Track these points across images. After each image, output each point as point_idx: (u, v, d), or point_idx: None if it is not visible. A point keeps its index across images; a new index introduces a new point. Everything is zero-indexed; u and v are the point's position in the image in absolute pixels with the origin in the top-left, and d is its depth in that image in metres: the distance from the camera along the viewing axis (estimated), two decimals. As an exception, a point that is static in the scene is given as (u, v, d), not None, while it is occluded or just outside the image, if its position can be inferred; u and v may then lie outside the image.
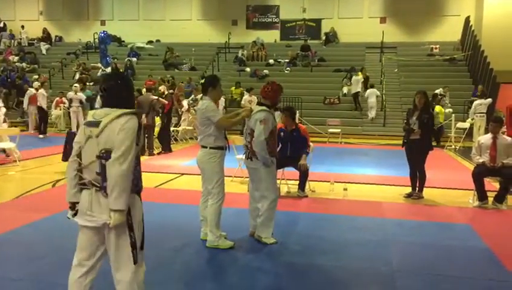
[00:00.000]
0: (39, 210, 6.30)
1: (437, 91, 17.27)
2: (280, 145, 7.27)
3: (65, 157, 9.17)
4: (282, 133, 7.33)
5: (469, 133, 14.91)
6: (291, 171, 7.66)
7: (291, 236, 5.48)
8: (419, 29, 23.26)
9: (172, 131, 13.94)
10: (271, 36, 24.70)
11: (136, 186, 2.91)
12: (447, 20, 23.05)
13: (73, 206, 3.03)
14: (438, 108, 15.51)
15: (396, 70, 20.96)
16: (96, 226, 2.89)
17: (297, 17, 24.76)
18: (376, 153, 13.07)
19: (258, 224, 5.19)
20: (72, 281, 3.04)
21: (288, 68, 21.53)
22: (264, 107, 5.11)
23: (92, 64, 22.24)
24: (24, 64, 23.14)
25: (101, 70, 21.54)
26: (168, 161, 10.77)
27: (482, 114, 14.34)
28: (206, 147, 4.95)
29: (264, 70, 21.03)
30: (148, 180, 7.03)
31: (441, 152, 12.97)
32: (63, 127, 16.96)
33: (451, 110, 16.73)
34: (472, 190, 7.22)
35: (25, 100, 16.03)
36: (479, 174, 6.99)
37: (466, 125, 14.96)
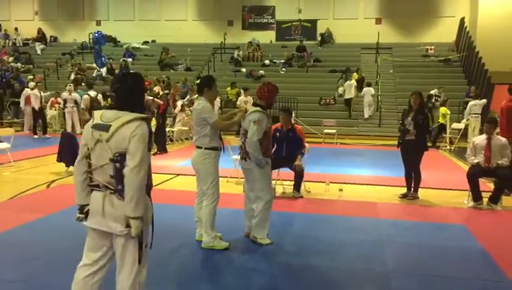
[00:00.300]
0: (34, 211, 6.27)
1: (432, 92, 17.33)
2: (275, 146, 7.28)
3: (60, 158, 9.16)
4: (278, 134, 7.34)
5: (464, 134, 14.97)
6: (286, 172, 7.66)
7: (287, 237, 5.48)
8: (415, 30, 23.33)
9: (168, 132, 13.92)
10: (267, 37, 24.72)
11: (146, 187, 2.89)
12: (442, 21, 23.13)
13: (82, 208, 3.00)
14: (443, 109, 15.54)
15: (391, 71, 21.02)
16: (108, 231, 2.88)
17: (292, 18, 24.78)
18: (371, 154, 13.09)
19: (253, 225, 5.18)
20: (78, 280, 3.01)
21: (283, 69, 21.55)
22: (258, 108, 5.11)
23: (87, 65, 22.17)
24: (19, 65, 23.04)
25: (96, 70, 21.49)
26: (163, 162, 10.74)
27: (476, 115, 14.39)
28: (201, 148, 4.94)
29: (260, 71, 21.04)
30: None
31: (436, 153, 13.02)
32: (57, 127, 16.88)
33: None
34: (467, 190, 7.24)
35: (21, 100, 15.97)
36: (474, 174, 7.01)
37: (461, 126, 15.02)
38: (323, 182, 7.88)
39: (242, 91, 17.23)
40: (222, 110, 16.54)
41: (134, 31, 25.71)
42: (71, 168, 9.09)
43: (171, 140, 14.28)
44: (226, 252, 4.90)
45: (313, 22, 24.55)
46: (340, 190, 7.62)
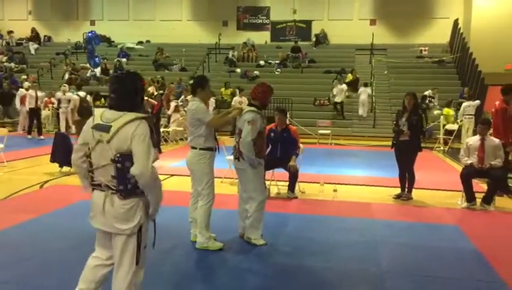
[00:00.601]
0: (27, 211, 6.23)
1: (426, 93, 17.41)
2: (270, 146, 7.27)
3: (53, 159, 9.11)
4: (272, 134, 7.33)
5: (457, 135, 15.03)
6: (281, 173, 7.66)
7: (281, 237, 5.48)
8: (409, 32, 23.42)
9: (163, 132, 13.88)
10: (261, 37, 24.71)
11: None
12: (436, 22, 23.24)
13: None
14: (446, 111, 15.58)
15: (386, 72, 21.09)
16: (107, 231, 2.91)
17: (287, 19, 24.79)
18: (366, 154, 13.12)
19: (247, 226, 5.18)
20: (90, 267, 3.07)
21: (278, 69, 21.56)
22: (253, 108, 5.10)
23: (81, 65, 22.07)
24: (12, 65, 22.91)
25: (90, 70, 21.40)
26: (158, 162, 10.69)
27: (470, 116, 14.47)
28: (196, 148, 4.93)
29: (255, 72, 21.04)
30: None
31: (430, 153, 13.06)
32: (51, 127, 16.80)
33: (439, 111, 16.85)
34: (460, 191, 7.27)
35: (17, 100, 15.87)
36: (467, 175, 7.04)
37: (455, 126, 15.08)
38: (318, 183, 7.89)
39: (237, 91, 17.23)
40: (219, 110, 16.42)
41: (129, 31, 25.63)
42: (65, 168, 9.05)
43: (166, 140, 14.25)
44: (220, 252, 4.89)
45: (308, 23, 24.58)
46: (335, 190, 7.63)
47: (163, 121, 14.64)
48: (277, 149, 7.40)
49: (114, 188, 2.85)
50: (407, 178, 7.48)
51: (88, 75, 21.16)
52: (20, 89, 16.05)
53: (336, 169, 10.26)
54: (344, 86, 18.47)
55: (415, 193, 7.55)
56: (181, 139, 14.75)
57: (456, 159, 11.15)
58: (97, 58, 21.18)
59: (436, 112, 16.94)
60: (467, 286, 4.26)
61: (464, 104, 14.85)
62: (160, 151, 12.27)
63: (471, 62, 18.83)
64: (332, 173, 9.65)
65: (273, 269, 4.55)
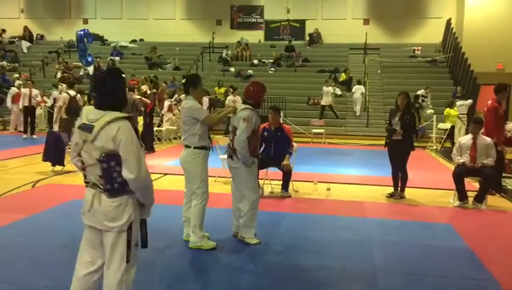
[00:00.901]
0: (18, 211, 6.19)
1: (419, 92, 17.47)
2: (264, 145, 7.27)
3: (45, 157, 9.05)
4: (266, 133, 7.33)
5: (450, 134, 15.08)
6: (274, 172, 7.66)
7: (275, 236, 5.48)
8: (402, 31, 23.52)
9: (156, 131, 13.84)
10: (255, 36, 24.72)
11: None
12: (429, 22, 23.34)
13: None
14: (447, 111, 15.59)
15: (379, 71, 21.17)
16: (97, 228, 2.90)
17: (281, 18, 24.82)
18: (359, 153, 13.16)
19: (241, 225, 5.17)
20: (80, 277, 2.98)
21: (272, 68, 21.58)
22: (248, 106, 5.09)
23: (74, 63, 21.96)
24: (4, 63, 22.74)
25: (83, 69, 21.27)
26: (151, 161, 10.67)
27: (462, 115, 14.55)
28: (190, 147, 4.91)
29: (249, 71, 21.04)
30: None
31: (423, 152, 13.12)
32: (44, 126, 16.68)
33: (432, 111, 16.93)
34: (453, 189, 7.31)
35: (8, 99, 15.72)
36: (460, 174, 7.08)
37: (447, 126, 15.14)
38: (311, 182, 7.90)
39: (230, 88, 17.19)
40: (214, 109, 16.28)
41: (122, 29, 25.51)
42: (57, 167, 9.00)
43: (159, 139, 14.20)
44: (214, 251, 4.88)
45: (302, 22, 24.62)
46: (328, 189, 7.64)
47: (156, 120, 14.58)
48: (271, 148, 7.40)
49: (101, 187, 2.85)
50: (400, 177, 7.50)
51: (81, 73, 21.04)
52: (12, 88, 15.91)
53: (330, 168, 10.28)
54: (330, 89, 18.11)
55: (408, 192, 7.58)
56: (174, 138, 14.71)
57: (448, 158, 11.21)
58: (90, 57, 21.05)
59: (428, 111, 17.00)
60: (459, 284, 4.28)
61: (456, 104, 14.93)
62: (153, 151, 12.24)
63: (464, 62, 18.93)
64: (325, 172, 9.66)
65: (267, 268, 4.55)
